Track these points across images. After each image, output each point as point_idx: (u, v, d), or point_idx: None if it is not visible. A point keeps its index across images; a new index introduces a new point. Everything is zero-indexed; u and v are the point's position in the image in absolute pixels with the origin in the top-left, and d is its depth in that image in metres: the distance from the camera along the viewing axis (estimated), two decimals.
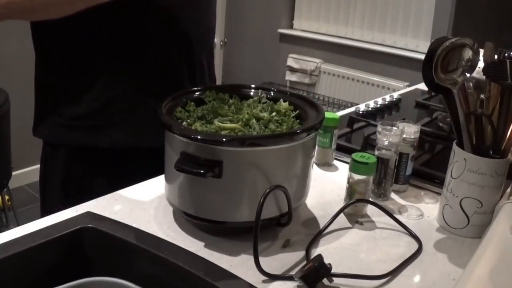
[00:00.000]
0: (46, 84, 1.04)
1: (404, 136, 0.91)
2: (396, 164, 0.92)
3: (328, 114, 1.00)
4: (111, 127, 1.00)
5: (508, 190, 0.83)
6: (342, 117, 1.16)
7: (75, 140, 1.02)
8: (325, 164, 1.05)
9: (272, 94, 0.88)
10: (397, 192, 0.95)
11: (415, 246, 0.78)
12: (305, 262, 0.70)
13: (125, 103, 1.00)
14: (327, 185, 0.96)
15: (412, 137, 0.93)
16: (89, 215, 0.78)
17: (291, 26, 3.90)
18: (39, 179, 1.11)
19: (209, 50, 1.13)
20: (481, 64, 0.77)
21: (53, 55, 1.01)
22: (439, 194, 0.89)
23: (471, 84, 0.81)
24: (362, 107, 1.40)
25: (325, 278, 0.66)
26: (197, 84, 1.06)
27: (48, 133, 1.05)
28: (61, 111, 1.01)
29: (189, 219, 0.77)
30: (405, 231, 0.82)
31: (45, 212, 1.05)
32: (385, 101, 1.47)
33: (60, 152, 1.04)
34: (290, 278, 0.67)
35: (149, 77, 1.00)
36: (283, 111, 0.82)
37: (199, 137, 0.71)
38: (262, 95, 0.87)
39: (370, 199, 0.87)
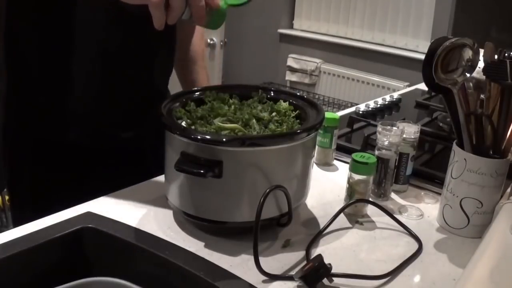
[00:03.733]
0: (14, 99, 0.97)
1: (404, 136, 0.91)
2: (396, 164, 0.92)
3: (328, 114, 1.00)
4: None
5: (508, 190, 0.84)
6: (342, 117, 1.16)
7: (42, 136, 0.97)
8: (325, 164, 1.05)
9: (272, 94, 0.88)
10: (397, 192, 0.95)
11: (415, 246, 0.78)
12: (305, 262, 0.70)
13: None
14: (327, 185, 0.96)
15: (412, 137, 0.93)
16: (89, 215, 0.78)
17: (291, 26, 3.90)
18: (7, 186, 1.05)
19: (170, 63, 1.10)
20: (481, 64, 0.77)
21: (25, 68, 0.94)
22: (439, 194, 0.89)
23: (471, 84, 0.81)
24: (362, 107, 1.40)
25: (325, 278, 0.66)
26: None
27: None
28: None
29: (189, 219, 0.77)
30: (405, 231, 0.82)
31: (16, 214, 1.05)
32: (385, 101, 1.47)
33: (27, 145, 0.99)
34: (290, 278, 0.67)
35: (120, 95, 0.97)
36: (283, 111, 0.82)
37: (199, 137, 0.70)
38: (262, 95, 0.87)
39: (370, 199, 0.87)
